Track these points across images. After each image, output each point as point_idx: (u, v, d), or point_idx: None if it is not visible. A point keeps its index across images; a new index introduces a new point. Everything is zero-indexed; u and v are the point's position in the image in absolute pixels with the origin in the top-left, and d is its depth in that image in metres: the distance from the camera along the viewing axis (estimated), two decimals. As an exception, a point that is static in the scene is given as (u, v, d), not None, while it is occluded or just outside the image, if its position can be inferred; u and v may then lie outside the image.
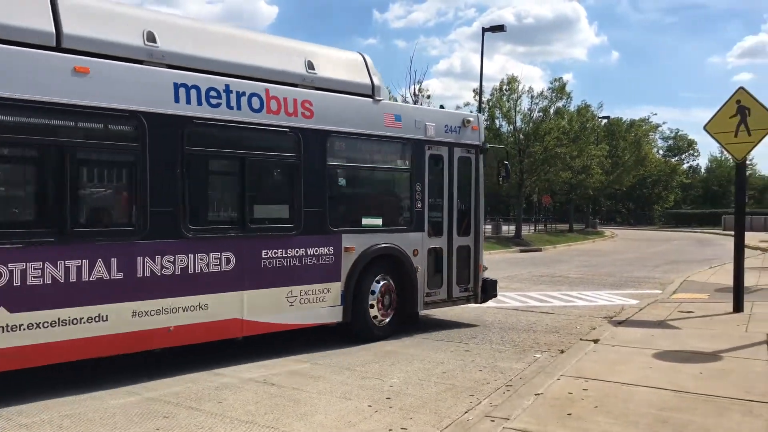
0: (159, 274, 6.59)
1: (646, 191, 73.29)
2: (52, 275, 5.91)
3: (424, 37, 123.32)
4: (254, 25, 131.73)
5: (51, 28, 6.24)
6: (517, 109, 38.06)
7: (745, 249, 11.12)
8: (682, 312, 10.30)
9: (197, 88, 6.90)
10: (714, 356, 7.10)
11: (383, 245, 8.60)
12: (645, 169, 61.07)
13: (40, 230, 6.01)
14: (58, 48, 6.23)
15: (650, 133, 64.81)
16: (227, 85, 7.16)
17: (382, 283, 8.67)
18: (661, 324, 9.22)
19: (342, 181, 8.62)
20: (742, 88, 10.15)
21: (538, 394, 5.65)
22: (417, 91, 40.30)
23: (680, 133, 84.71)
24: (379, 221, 8.71)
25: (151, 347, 6.69)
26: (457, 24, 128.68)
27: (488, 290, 10.04)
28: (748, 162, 12.30)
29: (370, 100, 8.71)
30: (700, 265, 20.96)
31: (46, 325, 5.90)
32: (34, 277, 5.83)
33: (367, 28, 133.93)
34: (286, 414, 5.49)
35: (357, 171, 8.88)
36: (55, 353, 5.99)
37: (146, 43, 6.77)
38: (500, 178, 11.00)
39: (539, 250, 29.42)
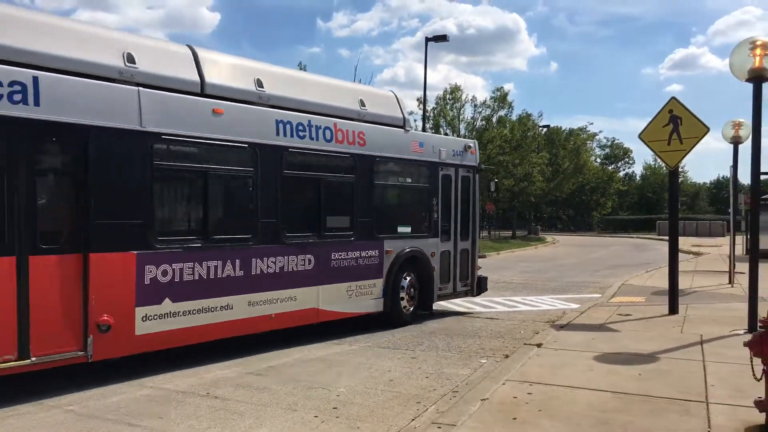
0: (266, 272, 8.32)
1: (585, 198, 75.34)
2: (198, 273, 7.55)
3: (368, 46, 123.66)
4: (196, 32, 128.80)
5: (197, 78, 7.97)
6: (461, 117, 38.67)
7: (679, 253, 11.53)
8: (620, 315, 10.60)
9: (290, 123, 8.69)
10: (651, 358, 7.32)
11: (411, 248, 10.57)
12: (584, 176, 62.87)
13: (191, 237, 7.67)
14: (203, 94, 7.90)
15: (588, 142, 66.73)
16: (309, 121, 8.96)
17: (409, 278, 10.56)
18: (601, 327, 9.46)
19: (383, 196, 10.47)
20: (674, 98, 10.52)
21: (484, 400, 5.70)
22: (362, 100, 40.00)
23: (616, 141, 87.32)
24: (408, 229, 10.69)
25: (256, 331, 8.30)
26: (401, 34, 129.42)
27: (481, 285, 12.18)
28: (680, 169, 12.78)
29: (402, 130, 10.71)
30: (637, 269, 21.66)
31: (194, 312, 7.53)
32: (188, 274, 7.45)
33: (311, 37, 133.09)
34: (229, 427, 5.36)
35: (393, 188, 10.89)
36: (198, 335, 7.62)
37: (257, 88, 8.62)
38: (491, 194, 12.44)
39: (483, 256, 29.69)
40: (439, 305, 11.75)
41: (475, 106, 42.04)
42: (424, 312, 11.04)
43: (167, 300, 7.23)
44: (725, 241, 39.67)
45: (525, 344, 8.40)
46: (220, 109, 7.82)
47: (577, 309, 11.73)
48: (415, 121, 36.65)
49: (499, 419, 5.18)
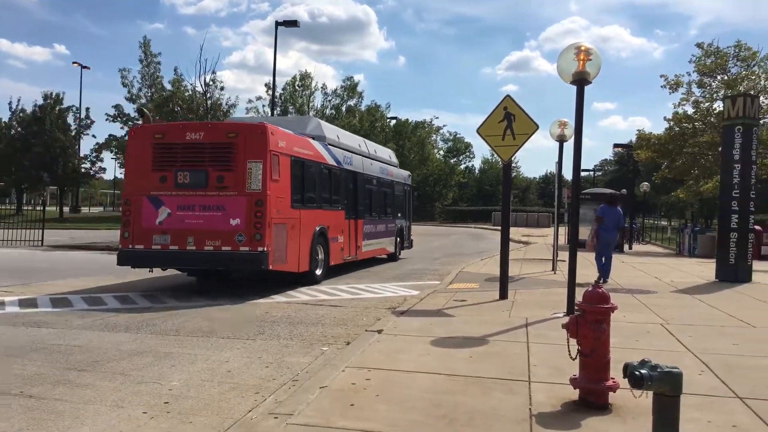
0: (378, 231, 19.62)
1: (428, 189, 78.42)
2: (369, 229, 18.72)
3: (216, 27, 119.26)
4: (20, 6, 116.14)
5: (388, 157, 23.18)
6: (311, 105, 38.45)
7: (510, 242, 12.28)
8: (456, 301, 11.10)
9: (381, 166, 20.73)
10: (482, 340, 7.72)
11: (400, 224, 22.06)
12: (428, 168, 65.35)
13: (367, 214, 18.60)
14: (385, 162, 22.02)
15: (432, 135, 69.42)
16: (384, 167, 20.80)
17: (399, 239, 21.88)
18: (438, 313, 9.84)
19: (395, 198, 21.57)
20: (508, 96, 11.13)
21: (323, 387, 5.67)
22: (209, 81, 38.79)
23: (458, 135, 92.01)
24: (400, 214, 22.04)
25: (376, 255, 19.84)
26: (250, 16, 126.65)
27: (412, 244, 24.11)
28: (513, 164, 13.59)
29: (397, 168, 23.05)
30: (473, 257, 22.90)
31: (369, 245, 18.71)
32: (368, 229, 18.63)
33: (153, 12, 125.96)
34: (45, 428, 4.88)
35: (397, 195, 21.86)
36: (367, 254, 18.61)
37: (390, 158, 23.45)
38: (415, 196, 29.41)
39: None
40: (289, 295, 11.63)
41: (326, 94, 42.05)
42: (400, 257, 22.01)
43: (365, 239, 18.06)
44: (551, 231, 43.19)
45: (366, 331, 8.51)
46: (377, 165, 19.79)
47: (417, 296, 12.13)
48: (263, 106, 35.99)
49: (336, 406, 5.18)
